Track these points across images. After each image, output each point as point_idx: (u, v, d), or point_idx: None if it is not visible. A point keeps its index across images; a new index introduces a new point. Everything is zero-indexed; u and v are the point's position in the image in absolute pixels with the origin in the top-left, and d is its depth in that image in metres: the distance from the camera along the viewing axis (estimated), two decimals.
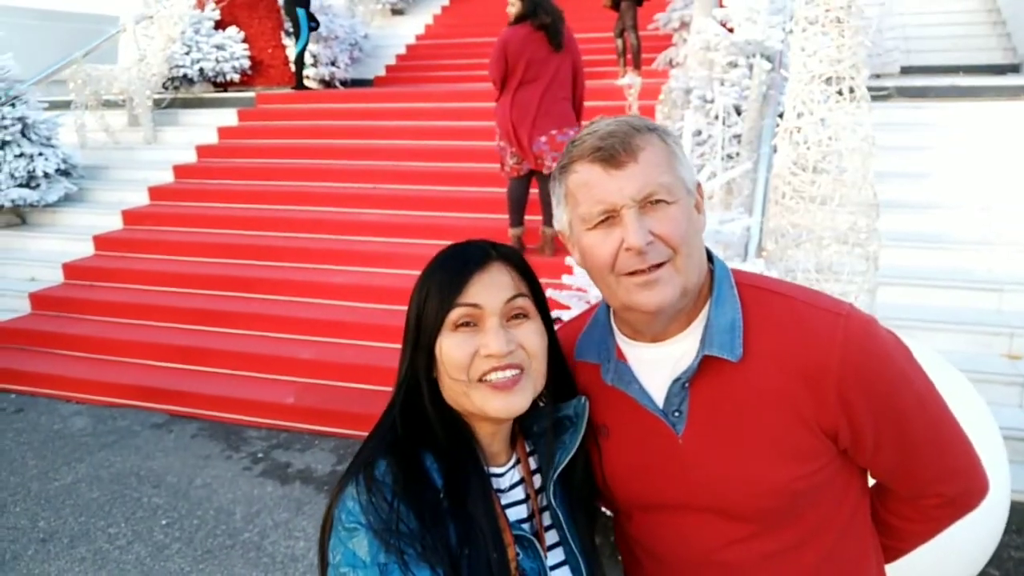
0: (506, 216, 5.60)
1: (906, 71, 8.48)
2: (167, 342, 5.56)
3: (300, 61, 9.96)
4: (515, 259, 1.17)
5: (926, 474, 1.21)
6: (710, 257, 1.22)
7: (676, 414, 1.18)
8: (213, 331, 5.65)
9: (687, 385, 1.17)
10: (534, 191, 5.54)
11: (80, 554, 3.52)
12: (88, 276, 6.53)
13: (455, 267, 1.13)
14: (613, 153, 1.10)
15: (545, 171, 5.30)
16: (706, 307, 1.18)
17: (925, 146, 6.07)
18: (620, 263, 1.11)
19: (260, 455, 4.43)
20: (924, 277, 4.75)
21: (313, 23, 9.93)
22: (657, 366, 1.20)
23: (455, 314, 1.10)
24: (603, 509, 1.36)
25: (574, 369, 1.29)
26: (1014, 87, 6.95)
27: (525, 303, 1.14)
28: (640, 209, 1.10)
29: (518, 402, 1.11)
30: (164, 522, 3.76)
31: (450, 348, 1.10)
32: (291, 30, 10.12)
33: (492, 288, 1.12)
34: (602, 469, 1.26)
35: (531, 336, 1.13)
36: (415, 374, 1.14)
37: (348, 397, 4.84)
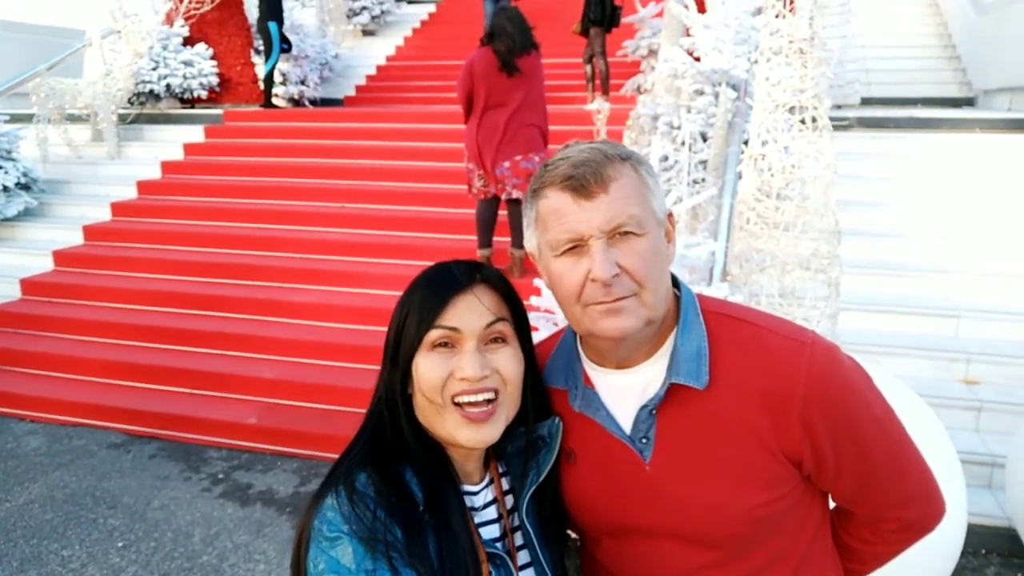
0: (475, 237, 5.62)
1: (866, 102, 8.69)
2: (126, 360, 5.44)
3: (269, 79, 9.90)
4: (499, 283, 1.17)
5: (886, 499, 1.23)
6: (676, 283, 1.23)
7: (643, 441, 1.18)
8: (174, 349, 5.55)
9: (654, 412, 1.17)
10: (503, 213, 5.56)
11: None
12: (46, 292, 6.38)
13: (437, 287, 1.13)
14: (584, 183, 1.09)
15: (504, 197, 5.34)
16: (672, 334, 1.19)
17: (884, 176, 6.21)
18: (586, 294, 1.11)
19: (220, 476, 4.35)
20: (884, 303, 4.84)
21: (285, 44, 9.89)
22: (625, 393, 1.20)
23: (433, 335, 1.11)
24: (570, 533, 1.36)
25: None
26: (969, 120, 7.16)
27: (504, 328, 1.15)
28: (608, 240, 1.09)
29: (490, 433, 1.12)
30: (120, 544, 3.67)
31: (426, 368, 1.11)
32: (261, 48, 10.07)
33: (472, 312, 1.12)
34: (567, 494, 1.26)
35: (507, 361, 1.14)
36: (392, 391, 1.15)
37: (312, 418, 4.76)
